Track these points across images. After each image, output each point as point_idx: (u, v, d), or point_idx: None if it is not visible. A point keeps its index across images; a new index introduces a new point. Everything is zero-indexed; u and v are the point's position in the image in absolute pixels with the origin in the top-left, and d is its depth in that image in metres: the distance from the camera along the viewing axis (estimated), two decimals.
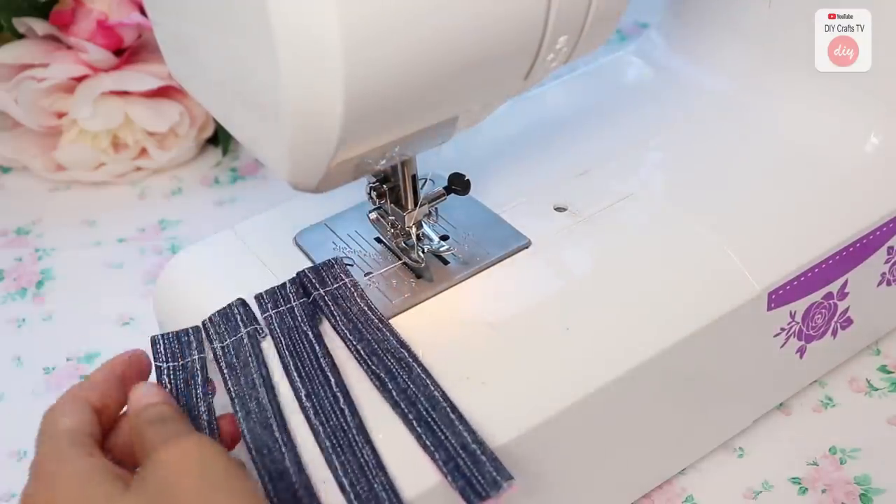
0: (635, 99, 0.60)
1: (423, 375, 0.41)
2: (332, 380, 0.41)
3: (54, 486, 0.35)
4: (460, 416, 0.39)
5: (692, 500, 0.49)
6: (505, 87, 0.41)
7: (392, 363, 0.41)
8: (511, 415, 0.41)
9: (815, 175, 0.52)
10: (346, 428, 0.39)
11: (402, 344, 0.42)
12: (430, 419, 0.39)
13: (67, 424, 0.37)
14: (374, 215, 0.48)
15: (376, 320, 0.43)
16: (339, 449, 0.39)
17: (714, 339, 0.46)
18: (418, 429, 0.39)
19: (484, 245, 0.47)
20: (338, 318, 0.43)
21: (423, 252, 0.47)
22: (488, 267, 0.47)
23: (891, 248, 0.52)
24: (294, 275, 0.45)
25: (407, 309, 0.44)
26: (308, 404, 0.40)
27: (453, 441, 0.39)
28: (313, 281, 0.45)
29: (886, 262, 0.52)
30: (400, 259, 0.47)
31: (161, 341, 0.43)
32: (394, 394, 0.40)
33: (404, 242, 0.47)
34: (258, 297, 0.44)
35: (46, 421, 0.38)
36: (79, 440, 0.37)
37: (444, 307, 0.45)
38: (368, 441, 0.39)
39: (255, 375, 0.41)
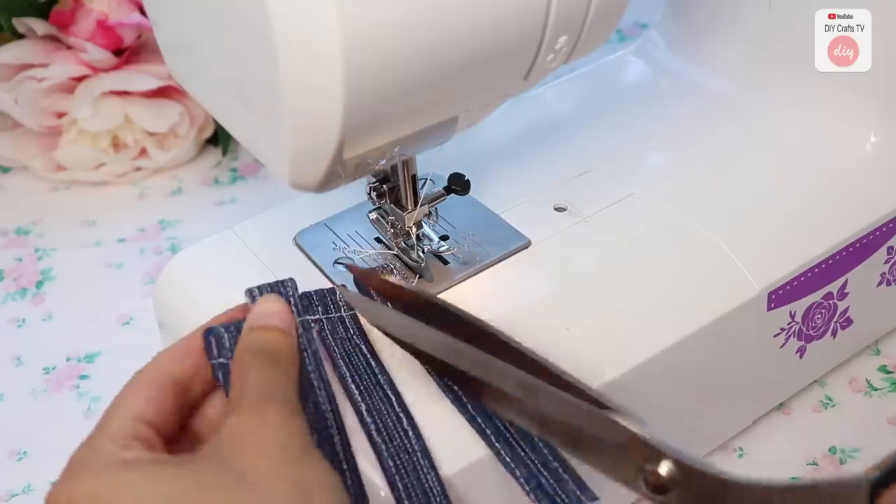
0: (635, 99, 0.60)
1: None
2: (393, 399, 0.39)
3: (76, 483, 0.31)
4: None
5: None
6: (505, 87, 0.41)
7: None
8: None
9: (815, 175, 0.52)
10: (410, 450, 0.37)
11: None
12: (507, 435, 0.38)
13: (128, 411, 0.34)
14: (374, 215, 0.48)
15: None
16: (402, 471, 0.37)
17: (714, 339, 0.46)
18: (497, 444, 0.38)
19: (484, 245, 0.47)
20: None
21: (423, 252, 0.47)
22: (488, 267, 0.47)
23: (891, 248, 0.52)
24: (333, 287, 0.42)
25: None
26: (369, 419, 0.38)
27: (534, 458, 0.37)
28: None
29: (886, 262, 0.52)
30: (400, 259, 0.47)
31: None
32: (469, 408, 0.39)
33: (404, 242, 0.47)
34: (306, 296, 0.41)
35: (114, 400, 0.34)
36: (124, 433, 0.33)
37: None
38: (433, 467, 0.37)
39: (312, 375, 0.38)
